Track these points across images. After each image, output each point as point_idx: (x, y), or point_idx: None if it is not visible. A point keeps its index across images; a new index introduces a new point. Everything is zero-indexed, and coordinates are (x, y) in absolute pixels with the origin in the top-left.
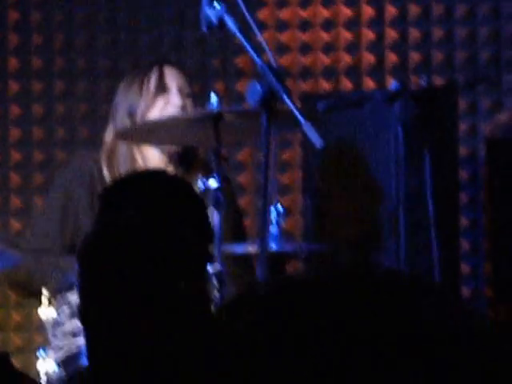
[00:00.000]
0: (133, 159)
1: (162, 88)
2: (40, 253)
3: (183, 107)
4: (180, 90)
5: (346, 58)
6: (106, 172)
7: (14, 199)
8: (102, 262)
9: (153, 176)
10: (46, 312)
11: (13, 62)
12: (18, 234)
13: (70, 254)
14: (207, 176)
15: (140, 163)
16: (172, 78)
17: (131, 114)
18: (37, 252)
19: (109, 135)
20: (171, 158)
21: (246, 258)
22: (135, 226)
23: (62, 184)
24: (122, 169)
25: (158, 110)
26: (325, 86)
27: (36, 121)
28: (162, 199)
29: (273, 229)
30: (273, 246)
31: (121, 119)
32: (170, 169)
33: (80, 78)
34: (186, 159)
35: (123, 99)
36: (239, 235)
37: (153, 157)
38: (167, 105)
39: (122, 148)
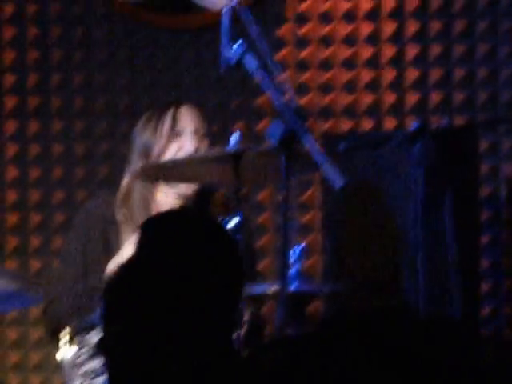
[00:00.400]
0: (147, 202)
1: (175, 132)
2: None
3: (196, 151)
4: (194, 133)
5: (367, 98)
6: (119, 215)
7: (33, 239)
8: (127, 296)
9: (188, 215)
10: (66, 352)
11: (33, 102)
12: (37, 273)
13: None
14: (226, 216)
15: (154, 209)
16: (187, 121)
17: (146, 156)
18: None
19: (126, 177)
20: (187, 200)
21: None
22: (162, 261)
23: (78, 229)
24: (137, 212)
25: (170, 154)
26: (345, 125)
27: (56, 160)
28: (192, 238)
29: (293, 269)
30: (293, 287)
31: (136, 160)
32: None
33: (99, 117)
34: (202, 201)
35: (138, 140)
36: (252, 277)
37: (167, 199)
38: (180, 150)
39: (137, 191)
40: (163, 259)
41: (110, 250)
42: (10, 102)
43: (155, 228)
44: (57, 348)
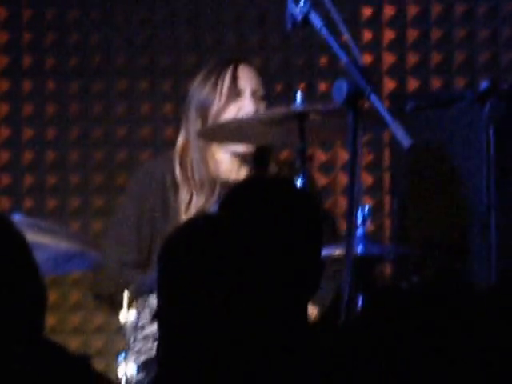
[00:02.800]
0: (205, 161)
1: (235, 92)
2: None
3: (255, 113)
4: (254, 94)
5: (436, 56)
6: (178, 176)
7: (95, 200)
8: (183, 259)
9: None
10: (127, 315)
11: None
12: (97, 234)
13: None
14: (290, 176)
15: (212, 167)
16: (246, 81)
17: (204, 115)
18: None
19: (182, 137)
20: (244, 160)
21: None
22: (224, 224)
23: (135, 192)
24: (195, 172)
25: (230, 115)
26: (413, 84)
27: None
28: (267, 204)
29: (359, 231)
30: (359, 249)
31: (193, 118)
32: (243, 171)
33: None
34: (261, 162)
35: (196, 98)
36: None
37: (225, 160)
38: (240, 111)
39: (195, 150)
40: (235, 221)
41: (168, 210)
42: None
43: (230, 193)
44: (117, 311)
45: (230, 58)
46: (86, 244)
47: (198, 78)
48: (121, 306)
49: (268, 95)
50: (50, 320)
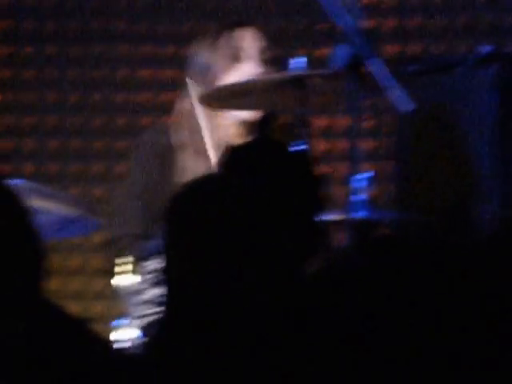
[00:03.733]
0: (211, 128)
1: (237, 55)
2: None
3: (260, 75)
4: (257, 58)
5: (437, 20)
6: (184, 142)
7: (95, 166)
8: (188, 216)
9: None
10: (128, 280)
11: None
12: (98, 200)
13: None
14: (290, 142)
15: (218, 132)
16: (250, 45)
17: (205, 78)
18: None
19: (180, 101)
20: (248, 127)
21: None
22: (228, 184)
23: (138, 166)
24: (196, 136)
25: (231, 78)
26: (414, 49)
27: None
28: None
29: (360, 196)
30: (360, 214)
31: (195, 84)
32: (248, 138)
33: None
34: (264, 128)
35: (197, 60)
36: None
37: (229, 125)
38: (242, 74)
39: (199, 116)
40: (238, 181)
41: (169, 175)
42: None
43: (231, 154)
44: (118, 276)
45: (232, 21)
46: (86, 210)
47: (200, 43)
48: (122, 271)
49: (275, 59)
50: (50, 285)
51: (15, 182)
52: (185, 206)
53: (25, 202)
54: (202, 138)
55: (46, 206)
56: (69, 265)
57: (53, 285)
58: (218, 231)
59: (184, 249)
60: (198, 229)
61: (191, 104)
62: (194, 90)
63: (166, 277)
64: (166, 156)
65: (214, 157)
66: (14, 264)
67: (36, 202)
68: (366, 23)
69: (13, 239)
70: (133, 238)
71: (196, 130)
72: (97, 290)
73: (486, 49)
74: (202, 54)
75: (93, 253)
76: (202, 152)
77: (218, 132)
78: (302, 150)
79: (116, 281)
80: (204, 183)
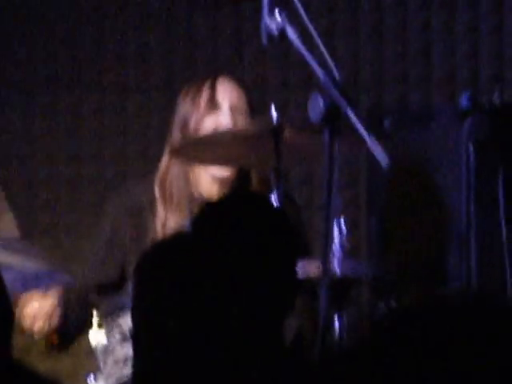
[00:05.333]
0: (187, 181)
1: (212, 105)
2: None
3: (234, 127)
4: (232, 108)
5: (416, 68)
6: (156, 193)
7: (65, 217)
8: (158, 274)
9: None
10: (96, 336)
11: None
12: (68, 252)
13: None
14: (265, 193)
15: (195, 186)
16: (225, 94)
17: (183, 129)
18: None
19: (164, 158)
20: (226, 181)
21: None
22: (210, 240)
23: (109, 215)
24: (175, 192)
25: (207, 128)
26: (391, 99)
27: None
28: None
29: (335, 248)
30: (336, 269)
31: (174, 134)
32: (225, 191)
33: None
34: (241, 184)
35: (177, 112)
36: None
37: (206, 181)
38: (216, 124)
39: (176, 169)
40: (210, 238)
41: (143, 230)
42: None
43: (204, 211)
44: (86, 332)
45: (210, 72)
46: (54, 264)
47: (181, 94)
48: (90, 327)
49: (253, 110)
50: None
51: None
52: (154, 263)
53: None
54: (178, 191)
55: (12, 262)
56: None
57: (20, 342)
58: (188, 290)
59: (152, 307)
60: (167, 287)
61: (168, 157)
62: (171, 142)
63: (134, 335)
64: (141, 210)
65: (188, 211)
66: None
67: (2, 258)
68: (343, 72)
69: None
70: (97, 287)
71: (173, 183)
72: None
73: (463, 100)
74: (182, 105)
75: None
76: (175, 206)
77: (193, 186)
78: (279, 203)
79: (90, 335)
80: (175, 240)
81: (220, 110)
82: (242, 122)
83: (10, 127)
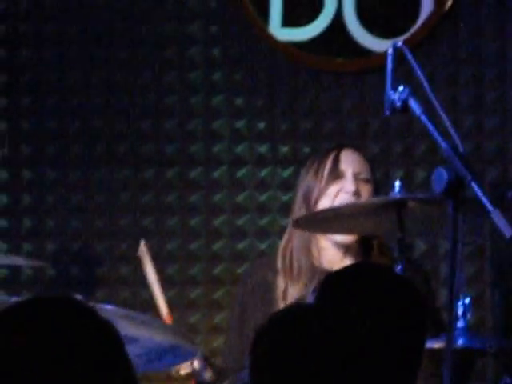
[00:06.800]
0: (307, 251)
1: (335, 174)
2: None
3: (357, 193)
4: (355, 176)
5: None
6: (278, 265)
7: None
8: (275, 352)
9: (373, 272)
10: None
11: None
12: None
13: None
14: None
15: (316, 256)
16: (348, 163)
17: (306, 201)
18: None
19: (287, 230)
20: (348, 249)
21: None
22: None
23: (238, 297)
24: (295, 260)
25: (330, 197)
26: None
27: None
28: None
29: (460, 323)
30: (460, 342)
31: (298, 206)
32: (347, 261)
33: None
34: (364, 251)
35: (300, 185)
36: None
37: (328, 248)
38: (340, 192)
39: (297, 239)
40: (333, 311)
41: (267, 305)
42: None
43: (327, 280)
44: None
45: (334, 145)
46: (180, 337)
47: (303, 167)
48: None
49: (376, 180)
50: None
51: (106, 308)
52: (270, 337)
53: (116, 330)
54: (299, 262)
55: (137, 334)
56: None
57: None
58: (304, 366)
59: (268, 382)
60: (283, 362)
61: (291, 229)
62: (297, 214)
63: None
64: (266, 287)
65: (309, 282)
66: None
67: (127, 330)
68: (467, 145)
69: (105, 371)
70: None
71: (294, 254)
72: None
73: None
74: (305, 178)
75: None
76: (296, 276)
77: (318, 256)
78: (404, 275)
79: None
80: (292, 315)
81: (344, 177)
82: (366, 191)
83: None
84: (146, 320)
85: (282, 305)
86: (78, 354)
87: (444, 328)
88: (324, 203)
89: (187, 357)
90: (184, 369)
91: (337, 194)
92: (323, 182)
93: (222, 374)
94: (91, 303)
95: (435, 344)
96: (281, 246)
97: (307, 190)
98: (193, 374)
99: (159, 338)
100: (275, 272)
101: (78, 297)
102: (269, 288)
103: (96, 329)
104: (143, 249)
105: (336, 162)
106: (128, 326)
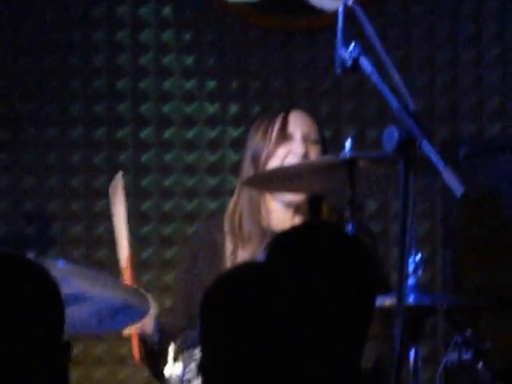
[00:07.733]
0: (257, 213)
1: (284, 136)
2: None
3: (305, 155)
4: (304, 138)
5: (493, 101)
6: (226, 228)
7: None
8: (224, 310)
9: (321, 229)
10: (172, 369)
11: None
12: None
13: None
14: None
15: (265, 218)
16: (296, 125)
17: (255, 162)
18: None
19: (236, 190)
20: (297, 210)
21: (385, 314)
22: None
23: (186, 257)
24: (244, 223)
25: (279, 159)
26: (467, 130)
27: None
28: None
29: (410, 280)
30: (410, 299)
31: (246, 167)
32: (297, 222)
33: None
34: (313, 210)
35: (249, 146)
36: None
37: (277, 209)
38: (289, 154)
39: (245, 199)
40: (284, 268)
41: (215, 267)
42: None
43: (277, 240)
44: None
45: (282, 106)
46: (135, 295)
47: (252, 127)
48: (165, 361)
49: (324, 141)
50: (73, 374)
51: (58, 264)
52: (220, 296)
53: (57, 288)
54: (248, 225)
55: (88, 292)
56: (92, 354)
57: (76, 374)
58: (259, 322)
59: (219, 341)
60: (233, 321)
61: (239, 189)
62: (243, 175)
63: (202, 370)
64: (215, 250)
65: (259, 244)
66: (41, 356)
67: (79, 287)
68: (418, 103)
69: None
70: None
71: (243, 216)
72: (121, 378)
73: None
74: (253, 139)
75: (116, 341)
76: (246, 239)
77: (267, 217)
78: (354, 234)
79: (165, 369)
80: (243, 272)
81: (292, 139)
82: (315, 152)
83: None
84: (99, 277)
85: (230, 266)
86: (10, 296)
87: (390, 287)
88: (273, 165)
89: (140, 316)
90: (132, 329)
91: (285, 156)
92: (272, 144)
93: (171, 333)
94: (40, 259)
95: (386, 301)
96: (229, 208)
97: (256, 151)
98: (141, 335)
99: (111, 296)
100: (224, 233)
101: (30, 254)
102: (217, 249)
103: (30, 276)
104: (119, 180)
105: (284, 123)
106: (80, 284)
